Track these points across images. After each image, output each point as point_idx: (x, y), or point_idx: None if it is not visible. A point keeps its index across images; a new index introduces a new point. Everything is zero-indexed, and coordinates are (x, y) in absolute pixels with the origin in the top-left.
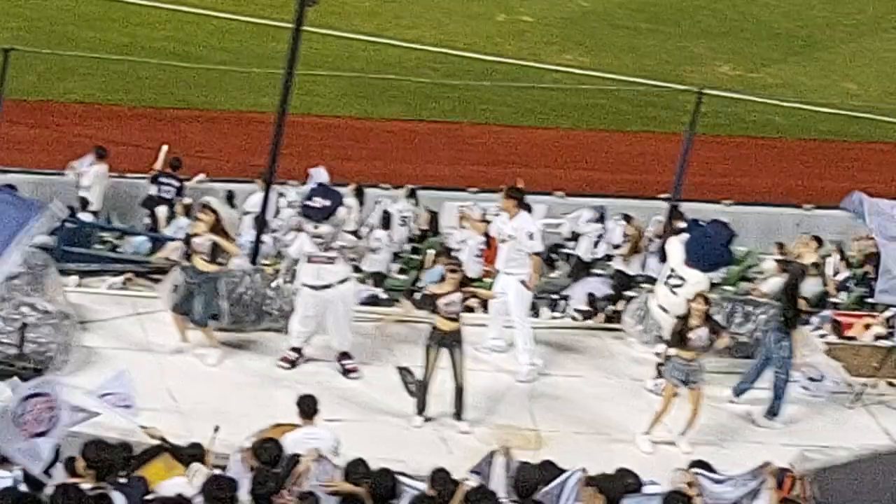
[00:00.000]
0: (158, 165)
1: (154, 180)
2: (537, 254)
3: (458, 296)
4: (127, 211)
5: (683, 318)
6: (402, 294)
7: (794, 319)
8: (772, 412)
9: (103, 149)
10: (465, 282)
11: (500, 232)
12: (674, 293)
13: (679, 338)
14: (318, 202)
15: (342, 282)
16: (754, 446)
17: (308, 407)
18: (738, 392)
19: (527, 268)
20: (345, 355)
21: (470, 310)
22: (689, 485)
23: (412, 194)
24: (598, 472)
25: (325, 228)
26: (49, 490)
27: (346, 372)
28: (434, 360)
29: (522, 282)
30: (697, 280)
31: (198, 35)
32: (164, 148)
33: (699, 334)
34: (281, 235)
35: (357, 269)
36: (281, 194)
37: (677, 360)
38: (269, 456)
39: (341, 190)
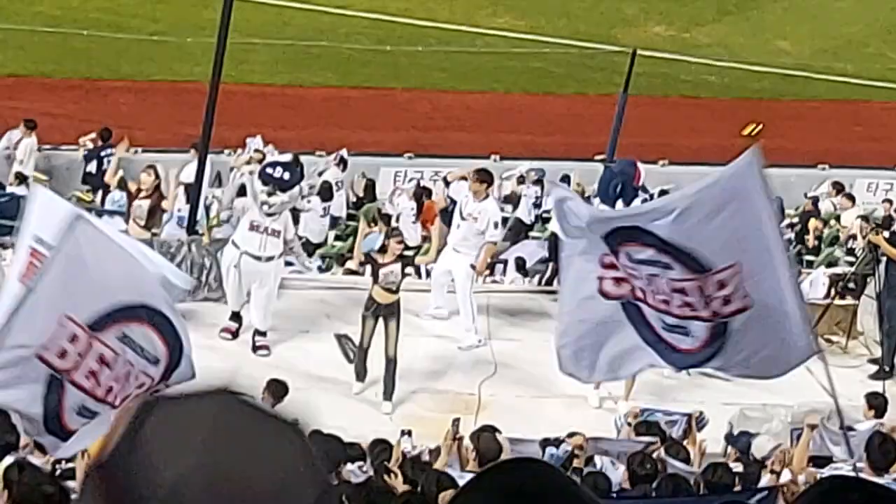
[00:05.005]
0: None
1: (92, 156)
2: (493, 243)
3: (397, 267)
4: (60, 183)
5: None
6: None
7: None
8: None
9: (32, 121)
10: (405, 253)
11: (462, 210)
12: None
13: None
14: (279, 172)
15: (280, 256)
16: (694, 405)
17: (278, 391)
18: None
19: (477, 250)
20: (258, 331)
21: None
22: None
23: (341, 162)
24: (541, 435)
25: (278, 198)
26: None
27: (255, 348)
28: (371, 331)
29: (472, 266)
30: None
31: (129, 5)
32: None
33: None
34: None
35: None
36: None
37: None
38: None
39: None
